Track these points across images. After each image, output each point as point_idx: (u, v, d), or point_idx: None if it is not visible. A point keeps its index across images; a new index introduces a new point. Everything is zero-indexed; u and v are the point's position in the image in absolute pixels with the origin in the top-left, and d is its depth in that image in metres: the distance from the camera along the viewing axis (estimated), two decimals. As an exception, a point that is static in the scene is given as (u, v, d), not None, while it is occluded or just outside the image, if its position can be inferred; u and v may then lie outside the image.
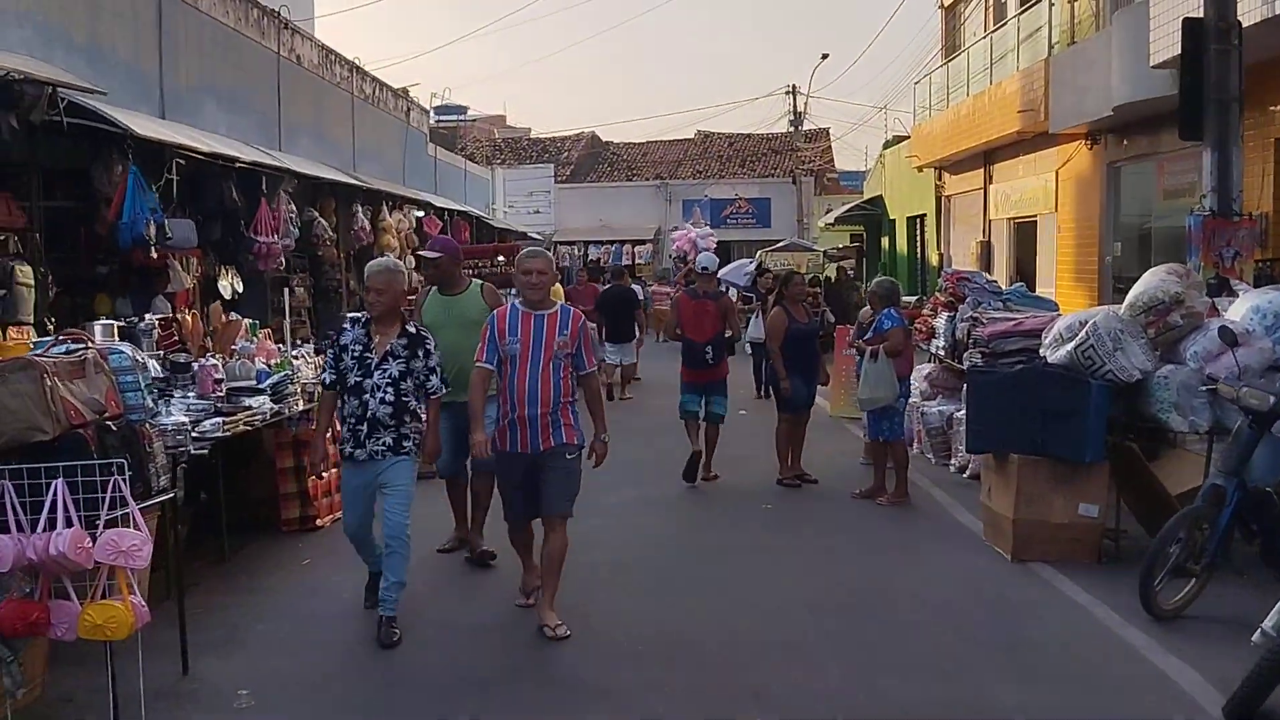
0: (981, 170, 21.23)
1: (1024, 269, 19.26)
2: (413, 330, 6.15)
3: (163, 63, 11.89)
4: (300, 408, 8.05)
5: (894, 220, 29.40)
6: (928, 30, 33.36)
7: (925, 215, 25.96)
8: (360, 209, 15.38)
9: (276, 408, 7.29)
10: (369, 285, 6.04)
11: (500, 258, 18.41)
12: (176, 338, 7.67)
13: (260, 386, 7.33)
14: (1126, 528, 7.44)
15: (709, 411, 10.07)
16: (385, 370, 5.97)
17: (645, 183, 43.25)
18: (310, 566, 7.41)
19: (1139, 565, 6.18)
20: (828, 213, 39.86)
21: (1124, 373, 7.06)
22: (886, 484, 9.26)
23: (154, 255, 8.88)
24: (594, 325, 19.62)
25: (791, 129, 42.60)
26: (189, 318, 7.75)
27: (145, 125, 8.88)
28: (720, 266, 12.36)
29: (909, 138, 28.76)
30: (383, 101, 21.35)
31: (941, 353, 11.50)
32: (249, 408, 7.00)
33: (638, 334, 17.13)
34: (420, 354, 6.07)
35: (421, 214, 20.43)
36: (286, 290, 12.56)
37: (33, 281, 8.50)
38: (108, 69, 10.83)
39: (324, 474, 8.22)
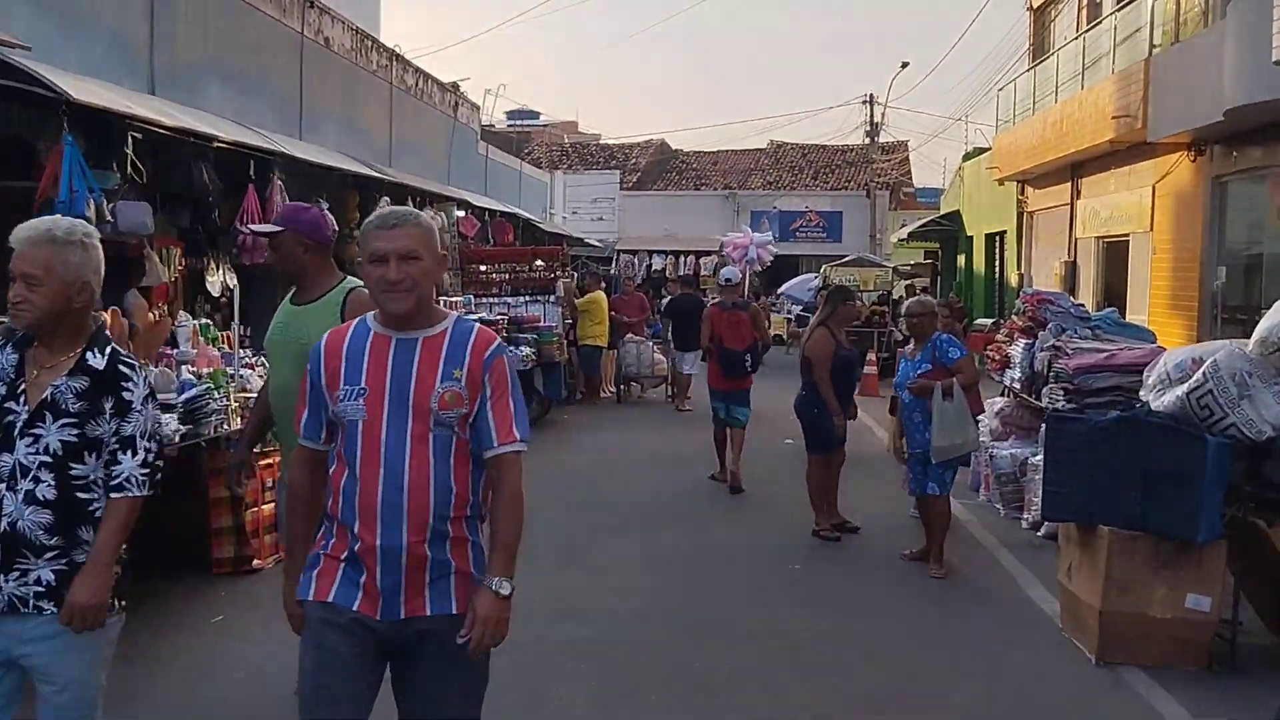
0: (1068, 184, 19.48)
1: (1112, 293, 17.47)
2: (100, 362, 3.23)
3: (154, 33, 10.74)
4: (237, 425, 6.76)
5: (971, 237, 27.62)
6: (1013, 35, 31.48)
7: (1005, 232, 24.20)
8: (383, 204, 14.16)
9: (184, 430, 5.95)
10: (11, 268, 3.18)
11: (539, 261, 17.16)
12: (87, 339, 6.44)
13: (173, 403, 6.02)
14: (1246, 624, 5.83)
15: (731, 417, 10.39)
16: (38, 438, 3.15)
17: (713, 192, 41.93)
18: (222, 625, 6.08)
19: (1262, 674, 4.62)
20: (901, 228, 38.17)
21: (1250, 427, 5.49)
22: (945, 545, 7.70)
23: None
24: (639, 338, 18.50)
25: (867, 140, 40.95)
26: (108, 315, 6.51)
27: (88, 90, 7.67)
28: (743, 278, 13.64)
29: (989, 149, 27.06)
30: (427, 94, 20.20)
31: (1017, 385, 9.92)
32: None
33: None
34: (109, 408, 3.20)
35: (462, 213, 19.22)
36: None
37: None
38: (86, 35, 9.71)
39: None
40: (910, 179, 45.63)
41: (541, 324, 14.84)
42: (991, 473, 9.69)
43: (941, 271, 31.56)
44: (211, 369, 6.67)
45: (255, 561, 6.95)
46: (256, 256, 10.40)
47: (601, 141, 49.07)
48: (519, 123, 48.38)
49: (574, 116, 56.11)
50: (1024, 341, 10.01)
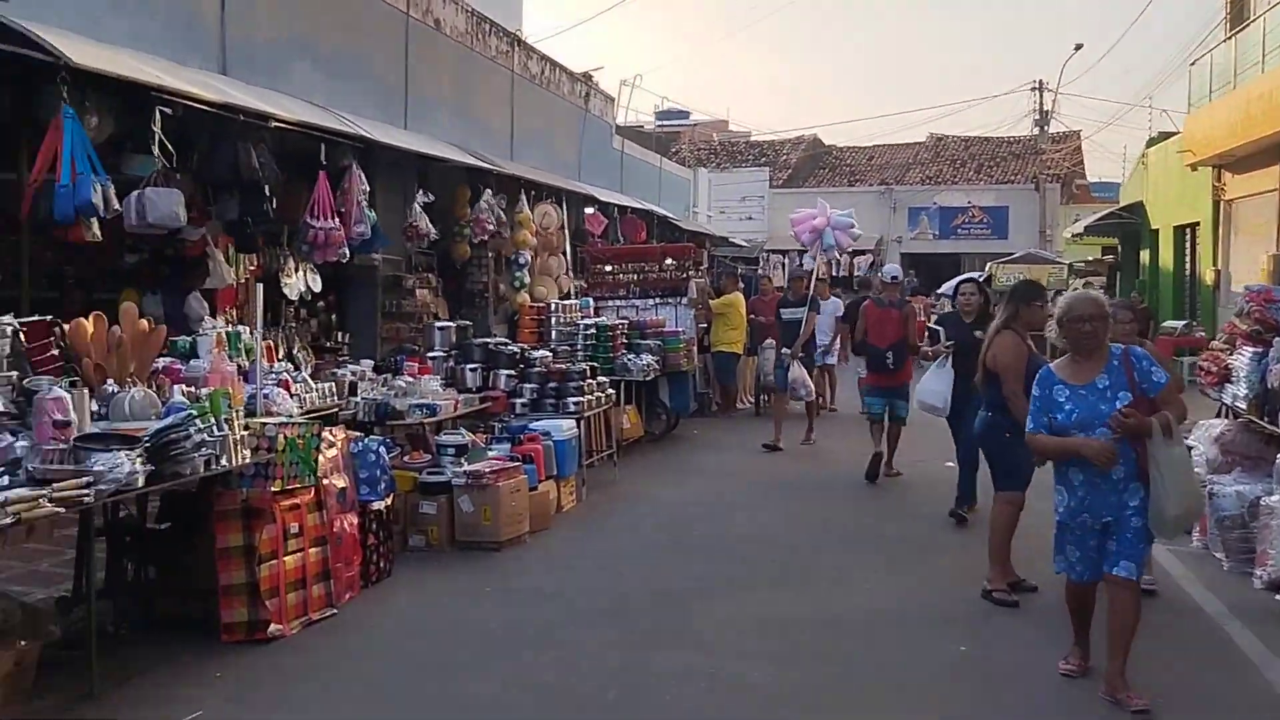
0: (1277, 167, 16.90)
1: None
2: None
3: (225, 7, 9.63)
4: (245, 459, 5.42)
5: (1156, 230, 24.89)
6: (1203, 3, 28.40)
7: (1197, 224, 21.54)
8: (490, 198, 12.85)
9: (143, 472, 4.56)
10: None
11: (669, 260, 15.62)
12: (57, 350, 5.17)
13: (140, 436, 4.68)
14: None
15: (893, 415, 10.40)
16: None
17: (868, 189, 39.74)
18: (199, 724, 4.72)
19: None
20: (1075, 222, 35.30)
21: None
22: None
23: (94, 234, 6.44)
24: (771, 341, 16.76)
25: (1036, 130, 38.13)
26: (89, 323, 5.25)
27: (93, 55, 6.48)
28: (884, 276, 12.35)
29: (1177, 133, 24.31)
30: (555, 84, 18.90)
31: (1242, 405, 7.91)
32: (85, 473, 4.32)
33: None
34: None
35: (590, 210, 17.86)
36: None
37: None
38: (139, 5, 8.63)
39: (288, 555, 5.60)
40: (1083, 170, 42.45)
41: (667, 329, 13.30)
42: (1210, 514, 7.69)
43: (1121, 269, 28.73)
44: (211, 390, 5.33)
45: (272, 627, 5.59)
46: (329, 254, 9.16)
47: (751, 139, 47.29)
48: (668, 122, 47.07)
49: (724, 115, 54.25)
50: (1250, 350, 8.00)
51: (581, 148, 19.95)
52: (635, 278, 15.49)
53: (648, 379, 11.97)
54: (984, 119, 51.11)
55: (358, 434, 7.45)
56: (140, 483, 4.58)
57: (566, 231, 15.36)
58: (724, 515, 8.91)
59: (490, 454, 8.14)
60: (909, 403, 10.02)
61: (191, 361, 6.04)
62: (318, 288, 10.36)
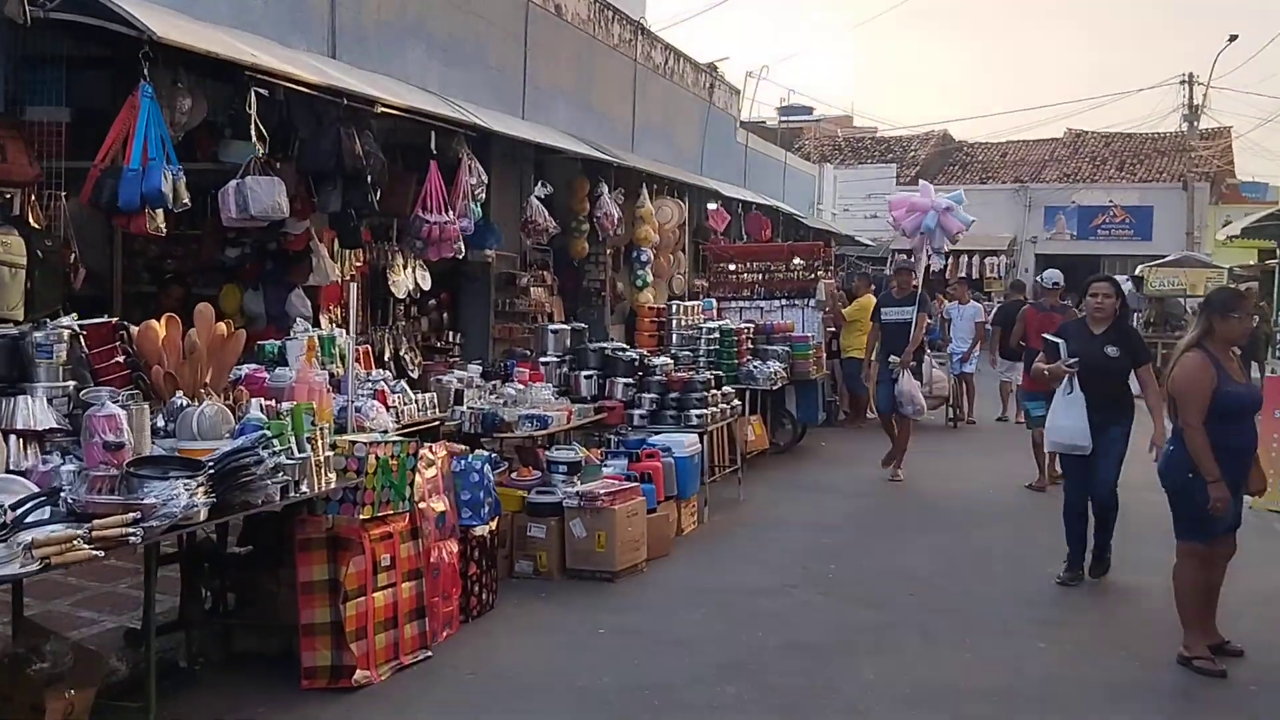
0: None
1: None
2: None
3: (330, -14, 9.09)
4: (329, 484, 4.76)
5: (1325, 232, 22.97)
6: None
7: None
8: (609, 192, 12.14)
9: (204, 504, 3.91)
10: None
11: (797, 259, 14.72)
12: (123, 357, 4.58)
13: (204, 461, 4.04)
14: None
15: (1039, 417, 10.22)
16: None
17: (1001, 186, 38.06)
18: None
19: None
20: (1226, 224, 33.15)
21: None
22: None
23: (157, 227, 5.88)
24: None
25: (1185, 126, 35.98)
26: (160, 325, 4.65)
27: (180, 28, 5.92)
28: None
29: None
30: (679, 74, 18.13)
31: None
32: (134, 507, 3.68)
33: None
34: None
35: (713, 205, 17.07)
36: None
37: (23, 259, 5.74)
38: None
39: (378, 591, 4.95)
40: (1233, 170, 40.01)
41: (795, 334, 12.41)
42: None
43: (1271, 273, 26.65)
44: (294, 405, 4.68)
45: (358, 674, 4.93)
46: (445, 250, 8.54)
47: (878, 134, 45.86)
48: (791, 118, 45.98)
49: (848, 110, 52.74)
50: None
51: (704, 141, 19.14)
52: (760, 277, 14.63)
53: (775, 388, 11.12)
54: (1125, 115, 48.36)
55: (462, 448, 6.80)
56: (202, 516, 3.94)
57: (687, 229, 14.57)
58: (860, 546, 8.02)
59: (606, 471, 7.40)
60: None
61: (277, 370, 5.43)
62: (427, 285, 9.77)
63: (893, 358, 10.54)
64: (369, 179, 7.26)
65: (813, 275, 14.48)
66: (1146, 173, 37.60)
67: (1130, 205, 35.46)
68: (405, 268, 9.39)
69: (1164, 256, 29.20)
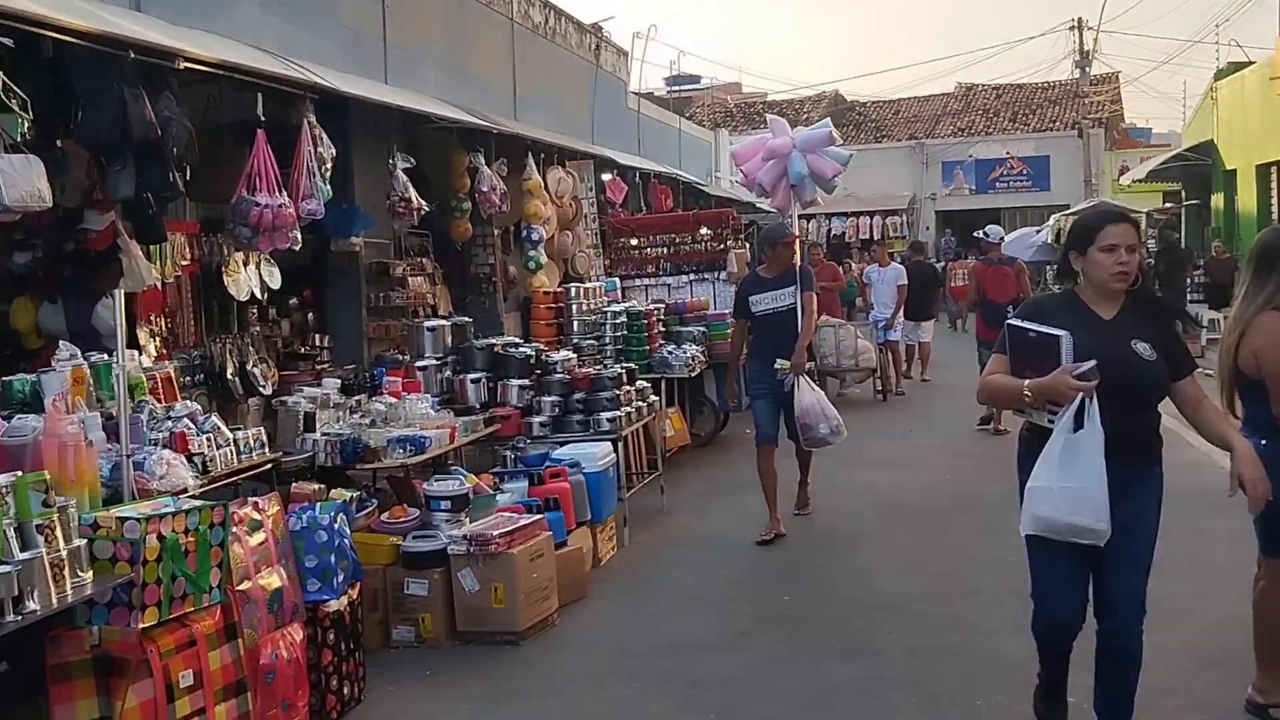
0: None
1: None
2: None
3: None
4: (84, 587, 3.24)
5: (1232, 172, 22.45)
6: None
7: (1292, 160, 19.16)
8: (490, 164, 10.60)
9: None
10: None
11: (704, 229, 13.40)
12: None
13: None
14: None
15: None
16: None
17: (897, 144, 37.34)
18: None
19: None
20: (1122, 171, 32.80)
21: None
22: None
23: None
24: (836, 320, 14.59)
25: (1077, 72, 35.59)
26: None
27: None
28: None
29: (1252, 63, 21.88)
30: (561, 35, 16.59)
31: None
32: None
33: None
34: None
35: (608, 175, 15.61)
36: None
37: None
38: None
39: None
40: (1122, 115, 39.86)
41: (711, 311, 11.08)
42: None
43: (1185, 218, 26.22)
44: (18, 477, 3.14)
45: None
46: (280, 240, 6.95)
47: (769, 99, 44.87)
48: (680, 88, 44.69)
49: (737, 78, 51.54)
50: None
51: (594, 108, 17.64)
52: (666, 251, 13.34)
53: (693, 375, 9.78)
54: (1019, 64, 47.91)
55: (316, 489, 5.31)
56: None
57: (584, 201, 13.11)
58: (814, 564, 6.70)
59: (501, 502, 5.96)
60: None
61: (15, 420, 3.85)
62: (276, 284, 8.15)
63: (780, 362, 7.36)
64: (172, 152, 5.65)
65: (722, 245, 13.20)
66: (1040, 122, 37.21)
67: (1027, 156, 35.03)
68: (246, 265, 7.77)
69: (1065, 206, 28.63)
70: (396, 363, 7.68)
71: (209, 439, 4.59)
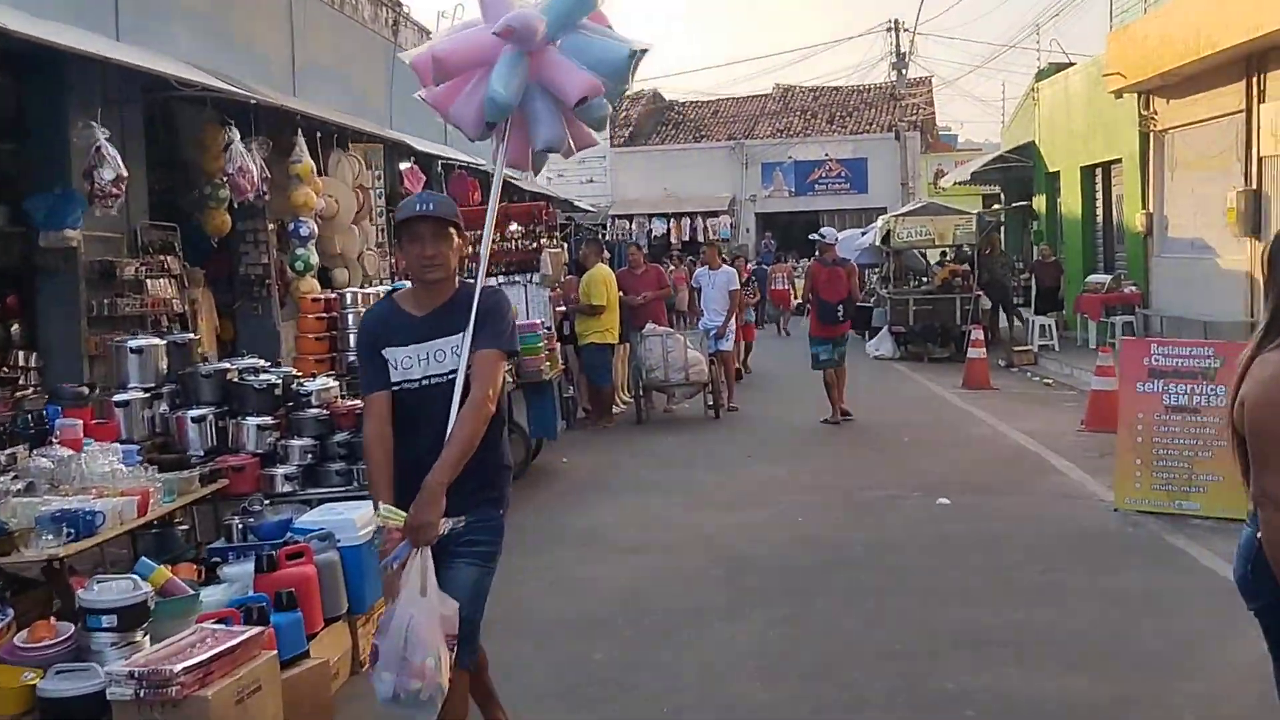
0: (1241, 84, 14.03)
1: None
2: None
3: None
4: None
5: (1055, 173, 22.14)
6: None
7: (1117, 162, 18.75)
8: (247, 143, 8.65)
9: None
10: None
11: (514, 225, 11.74)
12: None
13: None
14: None
15: (830, 356, 11.47)
16: None
17: (717, 144, 36.57)
18: None
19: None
20: (938, 175, 32.73)
21: None
22: None
23: None
24: (663, 328, 13.10)
25: (894, 75, 35.39)
26: None
27: None
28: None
29: (1072, 64, 21.61)
30: (351, 5, 14.63)
31: None
32: None
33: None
34: None
35: (406, 164, 13.75)
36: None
37: None
38: None
39: None
40: (934, 118, 40.09)
41: (520, 321, 9.41)
42: None
43: (1006, 220, 25.92)
44: None
45: None
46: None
47: (586, 96, 43.37)
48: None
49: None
50: None
51: (392, 89, 15.70)
52: (471, 250, 11.52)
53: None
54: (837, 65, 47.79)
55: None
56: None
57: (372, 191, 11.24)
58: (652, 662, 5.11)
59: (206, 603, 4.16)
60: (846, 347, 11.68)
61: None
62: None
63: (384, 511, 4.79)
64: None
65: (535, 244, 11.58)
66: (858, 125, 37.05)
67: (845, 158, 34.74)
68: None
69: (883, 209, 28.16)
70: (79, 398, 5.68)
71: None
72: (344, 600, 4.81)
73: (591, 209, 28.94)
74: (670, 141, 38.12)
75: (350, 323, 7.95)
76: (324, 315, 7.99)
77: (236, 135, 8.39)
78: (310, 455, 5.52)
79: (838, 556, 6.43)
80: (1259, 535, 2.81)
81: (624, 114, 39.48)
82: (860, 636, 5.17)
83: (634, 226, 32.94)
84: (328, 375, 6.33)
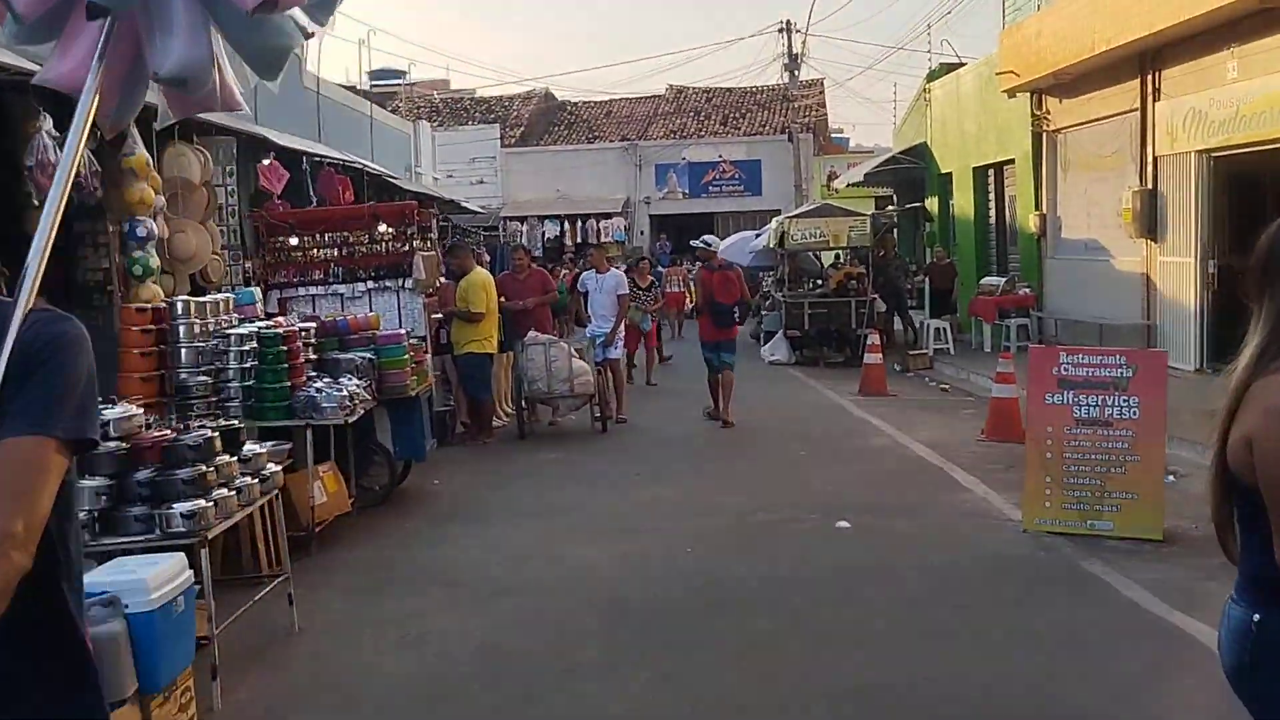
0: (1135, 82, 13.84)
1: (1244, 230, 11.84)
2: None
3: None
4: None
5: (948, 175, 21.97)
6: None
7: (1010, 162, 18.56)
8: (49, 126, 7.63)
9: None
10: None
11: (383, 226, 10.84)
12: None
13: None
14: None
15: (721, 362, 11.56)
16: None
17: (609, 145, 35.95)
18: None
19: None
20: (832, 177, 32.58)
21: None
22: None
23: None
24: (547, 336, 12.33)
25: (787, 76, 35.12)
26: None
27: None
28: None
29: (964, 64, 21.44)
30: (208, -10, 13.52)
31: None
32: None
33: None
34: None
35: (266, 160, 12.74)
36: None
37: None
38: None
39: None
40: (826, 120, 40.03)
41: (384, 331, 8.59)
42: None
43: (898, 223, 25.70)
44: None
45: None
46: None
47: (477, 95, 42.41)
48: (383, 82, 41.60)
49: (444, 75, 48.57)
50: None
51: (257, 81, 14.65)
52: (337, 253, 10.68)
53: (353, 420, 7.26)
54: (730, 66, 47.71)
55: None
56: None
57: (220, 189, 10.25)
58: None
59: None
60: (735, 354, 11.76)
61: None
62: None
63: None
64: None
65: (406, 246, 10.70)
66: (751, 126, 36.82)
67: (739, 160, 34.47)
68: None
69: (777, 211, 27.80)
70: None
71: None
72: (131, 678, 3.96)
73: (481, 210, 28.03)
74: (562, 142, 37.40)
75: (181, 335, 7.03)
76: (150, 328, 7.04)
77: (47, 123, 7.38)
78: (104, 497, 4.64)
79: (727, 596, 5.75)
80: (1255, 618, 2.18)
81: (515, 114, 38.63)
82: (747, 697, 4.49)
83: (526, 228, 32.14)
84: (140, 401, 5.42)
